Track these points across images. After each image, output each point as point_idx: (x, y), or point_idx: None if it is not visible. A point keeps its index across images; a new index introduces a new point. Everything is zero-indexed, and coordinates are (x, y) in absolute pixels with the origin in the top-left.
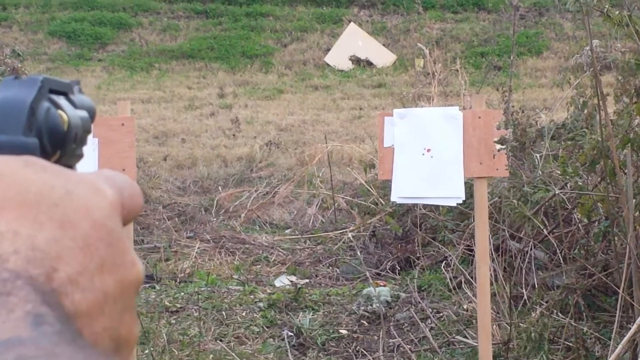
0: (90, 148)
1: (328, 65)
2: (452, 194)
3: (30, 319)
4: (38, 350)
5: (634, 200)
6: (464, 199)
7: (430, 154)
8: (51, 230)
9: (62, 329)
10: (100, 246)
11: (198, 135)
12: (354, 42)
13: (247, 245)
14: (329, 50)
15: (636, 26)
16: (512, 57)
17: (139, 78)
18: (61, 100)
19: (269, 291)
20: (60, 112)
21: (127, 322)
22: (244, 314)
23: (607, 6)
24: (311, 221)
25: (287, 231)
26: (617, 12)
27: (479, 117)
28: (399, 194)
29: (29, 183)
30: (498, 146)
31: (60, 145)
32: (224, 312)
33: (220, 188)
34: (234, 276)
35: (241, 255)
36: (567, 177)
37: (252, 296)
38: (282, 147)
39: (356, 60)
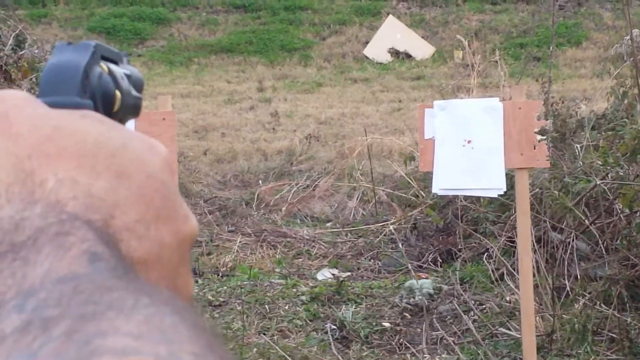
0: None
1: (367, 58)
2: (493, 185)
3: (86, 257)
4: (91, 284)
5: None
6: (505, 190)
7: (471, 145)
8: (108, 180)
9: (117, 265)
10: (155, 197)
11: (238, 129)
12: (393, 34)
13: (288, 239)
14: (367, 43)
15: None
16: (551, 48)
17: (178, 73)
18: (112, 66)
19: (311, 284)
20: (105, 68)
21: (183, 274)
22: (286, 307)
23: None
24: (352, 214)
25: (328, 224)
26: None
27: (519, 108)
28: (440, 186)
29: (86, 134)
30: (539, 137)
31: (112, 110)
32: (266, 306)
33: (260, 182)
34: (276, 270)
35: (283, 248)
36: (608, 167)
37: (294, 290)
38: (321, 140)
39: (395, 53)
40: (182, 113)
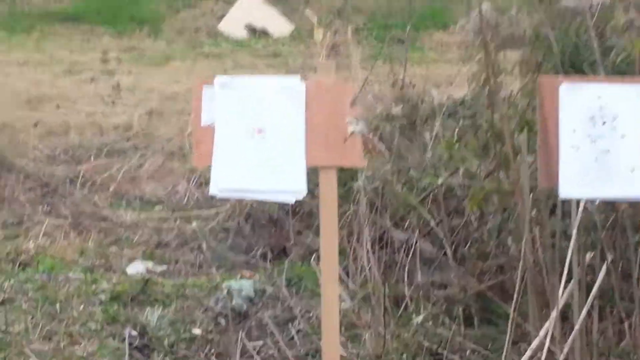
0: None
1: (222, 33)
2: (291, 187)
3: None
4: None
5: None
6: (306, 193)
7: (262, 136)
8: None
9: None
10: None
11: (74, 101)
12: (250, 10)
13: (107, 223)
14: (223, 17)
15: None
16: (407, 29)
17: (18, 40)
18: None
19: (114, 281)
20: None
21: None
22: (81, 307)
23: None
24: (186, 198)
25: (157, 208)
26: None
27: (326, 91)
28: (220, 186)
29: None
30: (351, 128)
31: None
32: (57, 305)
33: (92, 158)
34: (79, 261)
35: (98, 234)
36: (457, 163)
37: (94, 286)
38: (164, 116)
39: (252, 30)
40: (16, 82)
